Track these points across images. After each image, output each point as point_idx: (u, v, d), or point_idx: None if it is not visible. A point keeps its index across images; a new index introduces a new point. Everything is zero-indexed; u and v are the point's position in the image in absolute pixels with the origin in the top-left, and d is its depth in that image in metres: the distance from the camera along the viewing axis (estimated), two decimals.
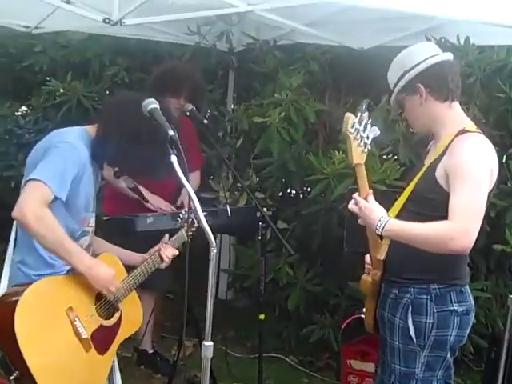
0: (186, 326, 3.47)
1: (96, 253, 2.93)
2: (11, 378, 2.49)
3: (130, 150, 2.66)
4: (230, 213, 3.91)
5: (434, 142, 2.83)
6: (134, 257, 3.07)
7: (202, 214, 2.37)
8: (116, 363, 2.99)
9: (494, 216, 3.84)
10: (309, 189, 4.65)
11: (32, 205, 2.55)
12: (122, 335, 2.88)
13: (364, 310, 2.98)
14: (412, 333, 2.70)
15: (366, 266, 2.91)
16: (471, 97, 3.83)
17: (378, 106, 4.12)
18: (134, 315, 2.98)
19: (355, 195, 2.62)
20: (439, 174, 2.60)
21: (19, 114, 5.98)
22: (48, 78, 5.51)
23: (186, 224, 3.11)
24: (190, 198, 2.40)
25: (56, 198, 2.60)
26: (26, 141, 5.76)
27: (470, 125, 2.73)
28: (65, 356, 2.61)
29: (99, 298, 2.79)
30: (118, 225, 3.74)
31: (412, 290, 2.71)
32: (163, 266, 3.07)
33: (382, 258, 2.72)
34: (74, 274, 2.72)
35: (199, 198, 4.26)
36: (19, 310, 2.48)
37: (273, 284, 4.58)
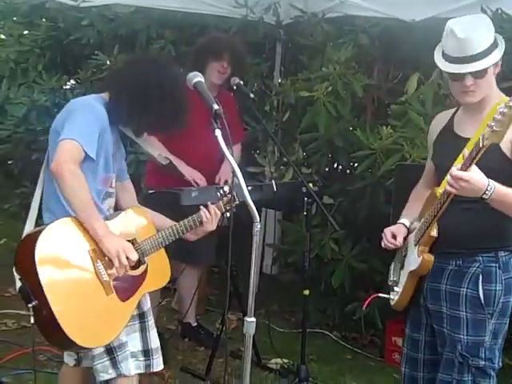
0: (230, 300, 3.49)
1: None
2: (29, 305, 2.59)
3: (141, 105, 2.75)
4: (275, 188, 3.88)
5: (466, 111, 2.80)
6: (161, 220, 3.08)
7: (245, 189, 2.35)
8: (151, 323, 3.01)
9: None
10: (355, 164, 4.58)
11: (69, 161, 2.62)
12: (146, 288, 2.91)
13: (396, 289, 2.96)
14: (483, 301, 2.72)
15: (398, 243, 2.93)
16: None
17: (428, 81, 4.03)
18: (160, 271, 2.99)
19: (455, 170, 2.51)
20: (504, 144, 2.59)
21: (68, 87, 6.05)
22: (95, 52, 5.53)
23: (225, 198, 3.10)
24: (233, 172, 2.37)
25: (86, 157, 2.68)
26: None
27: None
28: (83, 293, 2.67)
29: None
30: (163, 198, 3.75)
31: (480, 258, 2.73)
32: (207, 228, 3.05)
33: (436, 235, 2.74)
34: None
35: (244, 172, 4.29)
36: (41, 240, 2.59)
37: (318, 260, 4.56)
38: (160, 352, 3.02)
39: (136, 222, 2.95)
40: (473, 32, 2.64)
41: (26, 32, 6.33)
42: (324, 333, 4.80)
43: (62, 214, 2.73)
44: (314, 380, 4.01)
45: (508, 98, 2.43)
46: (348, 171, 4.90)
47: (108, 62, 5.34)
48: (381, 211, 4.16)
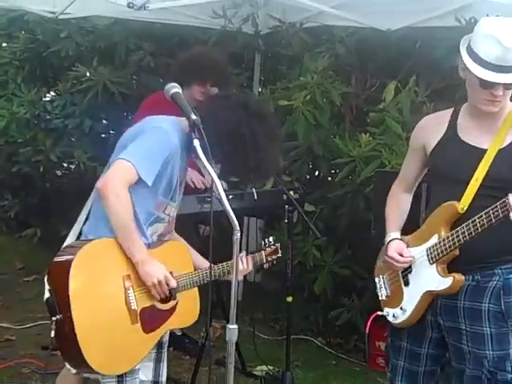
0: (213, 309, 3.51)
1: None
2: (53, 318, 2.54)
3: (227, 151, 2.65)
4: (256, 196, 3.92)
5: (475, 117, 2.66)
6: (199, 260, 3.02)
7: (224, 198, 2.35)
8: (165, 355, 3.00)
9: None
10: (336, 171, 4.64)
11: (116, 181, 2.58)
12: (171, 324, 2.85)
13: (404, 308, 2.85)
14: (506, 314, 2.66)
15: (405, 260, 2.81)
16: None
17: (405, 89, 4.09)
18: (189, 310, 2.94)
19: None
20: None
21: (47, 99, 6.04)
22: (75, 64, 5.54)
23: (268, 249, 3.12)
24: (212, 181, 2.39)
25: (140, 180, 2.62)
26: (54, 126, 5.84)
27: None
28: (109, 317, 2.61)
29: None
30: None
31: (499, 271, 2.65)
32: (228, 278, 2.95)
33: (458, 253, 2.64)
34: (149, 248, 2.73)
35: (226, 181, 4.29)
36: (80, 254, 2.55)
37: (300, 267, 4.60)
38: None
39: (176, 255, 2.88)
40: None
41: (4, 44, 6.32)
42: (308, 339, 4.84)
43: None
44: None
45: None
46: (329, 178, 4.95)
47: (87, 74, 5.35)
48: (361, 218, 4.22)
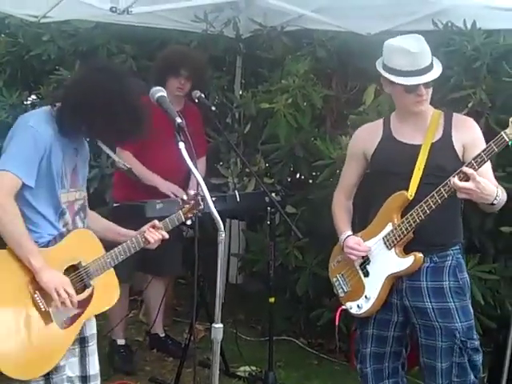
0: (197, 310, 3.53)
1: (91, 228, 2.99)
2: None
3: (90, 113, 2.70)
4: (238, 198, 3.96)
5: (405, 120, 3.06)
6: (129, 235, 3.06)
7: (210, 200, 2.43)
8: (93, 349, 2.99)
9: None
10: (318, 173, 4.68)
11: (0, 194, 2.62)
12: (91, 312, 2.88)
13: (368, 297, 3.11)
14: (464, 289, 3.04)
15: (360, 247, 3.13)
16: (478, 81, 3.84)
17: (384, 91, 4.14)
18: (108, 293, 2.96)
19: (466, 169, 2.76)
20: (457, 147, 2.96)
21: (29, 102, 6.02)
22: (57, 67, 5.54)
23: (185, 206, 3.09)
24: (197, 183, 2.44)
25: (25, 184, 2.67)
26: None
27: None
28: (19, 324, 2.65)
29: (68, 273, 2.82)
30: (127, 211, 3.80)
31: (451, 252, 3.05)
32: (151, 247, 3.04)
33: (412, 235, 2.98)
34: (47, 248, 2.77)
35: (208, 184, 4.33)
36: None
37: (282, 268, 4.63)
38: (98, 379, 3.00)
39: (81, 244, 2.89)
40: (422, 47, 2.91)
41: None
42: (291, 340, 4.88)
43: None
44: None
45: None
46: (310, 181, 4.99)
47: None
48: None
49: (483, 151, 2.76)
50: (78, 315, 2.82)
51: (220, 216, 2.46)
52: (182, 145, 2.50)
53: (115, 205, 4.07)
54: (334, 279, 3.30)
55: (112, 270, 2.95)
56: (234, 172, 4.78)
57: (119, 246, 2.94)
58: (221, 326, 2.48)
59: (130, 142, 3.17)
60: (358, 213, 3.36)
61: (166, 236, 3.05)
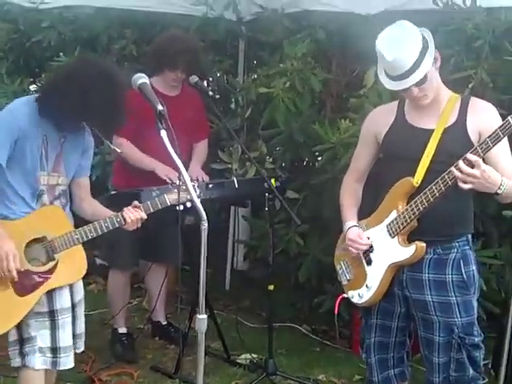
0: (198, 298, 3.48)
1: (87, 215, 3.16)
2: None
3: (61, 98, 2.84)
4: (236, 184, 3.91)
5: (419, 105, 2.89)
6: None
7: (191, 188, 2.44)
8: (66, 320, 3.06)
9: None
10: (319, 158, 4.61)
11: None
12: (53, 283, 2.99)
13: (369, 286, 3.03)
14: (467, 283, 2.91)
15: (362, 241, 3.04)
16: (479, 60, 3.73)
17: None
18: (74, 267, 3.08)
19: (470, 156, 2.64)
20: (472, 133, 2.81)
21: (32, 90, 5.99)
22: (59, 54, 5.51)
23: (174, 190, 3.13)
24: (179, 171, 2.41)
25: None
26: None
27: None
28: None
29: (31, 245, 2.97)
30: (124, 199, 3.72)
31: (457, 244, 2.92)
32: (128, 228, 3.11)
33: (416, 224, 2.87)
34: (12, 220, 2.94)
35: (210, 169, 4.30)
36: None
37: (284, 254, 4.59)
38: (71, 351, 3.11)
39: (49, 219, 3.01)
40: (400, 51, 2.76)
41: None
42: (294, 326, 4.84)
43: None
44: (283, 373, 4.05)
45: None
46: (312, 165, 4.92)
47: None
48: None
49: (489, 137, 2.62)
50: (37, 285, 2.95)
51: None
52: (163, 133, 2.46)
53: (112, 192, 4.07)
54: (338, 266, 3.23)
55: (80, 246, 3.06)
56: (235, 157, 4.73)
57: (89, 224, 3.04)
58: (204, 316, 2.47)
59: (113, 128, 3.25)
60: (366, 198, 3.24)
61: (144, 216, 3.11)
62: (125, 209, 3.09)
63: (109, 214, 3.13)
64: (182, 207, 3.08)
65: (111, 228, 3.07)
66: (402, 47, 2.76)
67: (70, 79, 2.86)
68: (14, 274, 2.88)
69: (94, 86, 2.82)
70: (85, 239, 3.03)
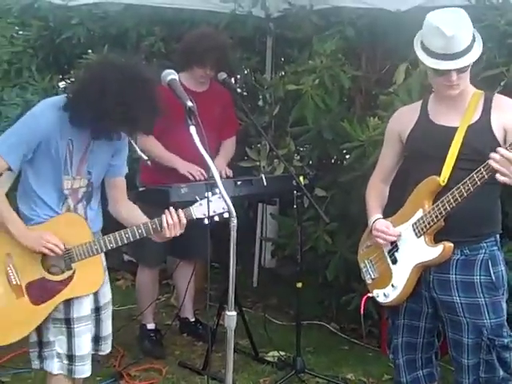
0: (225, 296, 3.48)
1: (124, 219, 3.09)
2: None
3: (90, 106, 2.74)
4: (265, 182, 3.90)
5: (443, 101, 2.89)
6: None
7: (221, 185, 2.42)
8: (82, 328, 2.99)
9: None
10: (347, 156, 4.59)
11: None
12: (69, 293, 2.93)
13: (395, 285, 3.00)
14: (496, 284, 2.88)
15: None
16: (511, 57, 3.69)
17: (416, 70, 4.01)
18: (91, 278, 3.00)
19: (500, 149, 2.60)
20: (497, 130, 2.77)
21: (62, 86, 6.04)
22: (87, 51, 5.54)
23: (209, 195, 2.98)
24: (208, 168, 2.40)
25: (38, 161, 2.86)
26: None
27: None
28: None
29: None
30: (152, 195, 3.78)
31: (485, 244, 2.88)
32: (167, 235, 2.96)
33: (443, 224, 2.83)
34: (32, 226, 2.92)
35: (238, 167, 4.28)
36: None
37: (312, 252, 4.57)
38: (88, 360, 3.02)
39: (68, 228, 2.94)
40: (459, 29, 2.73)
41: (20, 32, 6.30)
42: (322, 324, 4.83)
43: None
44: (311, 371, 4.04)
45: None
46: (340, 163, 4.90)
47: None
48: None
49: None
50: (52, 294, 2.92)
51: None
52: (192, 129, 2.46)
53: (141, 189, 4.08)
54: (362, 265, 3.21)
55: (99, 257, 2.98)
56: (263, 155, 4.72)
57: (110, 235, 2.95)
58: (234, 313, 2.48)
59: (138, 131, 3.10)
60: (391, 198, 3.23)
61: (184, 222, 2.98)
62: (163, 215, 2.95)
63: (143, 220, 3.01)
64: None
65: (131, 240, 2.94)
66: (460, 27, 2.73)
67: (103, 92, 2.71)
68: (62, 246, 2.87)
69: (130, 95, 2.72)
70: (104, 250, 2.95)
